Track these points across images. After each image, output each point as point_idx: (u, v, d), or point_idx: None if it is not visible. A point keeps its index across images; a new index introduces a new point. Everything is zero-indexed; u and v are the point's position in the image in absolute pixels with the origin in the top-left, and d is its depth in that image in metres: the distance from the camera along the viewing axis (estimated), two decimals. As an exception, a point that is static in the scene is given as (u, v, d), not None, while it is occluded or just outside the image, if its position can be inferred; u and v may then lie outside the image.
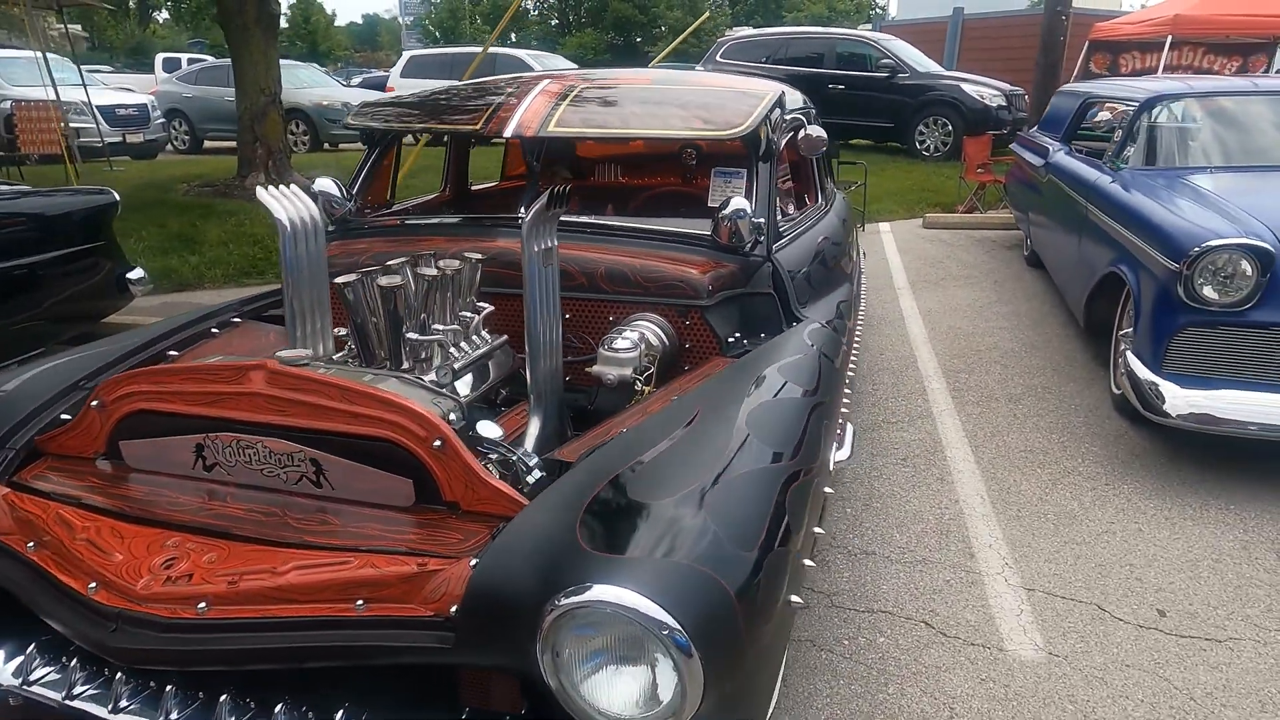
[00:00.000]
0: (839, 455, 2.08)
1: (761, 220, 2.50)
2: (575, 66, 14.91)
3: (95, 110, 11.66)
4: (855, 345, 2.98)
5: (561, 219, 2.70)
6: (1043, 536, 2.86)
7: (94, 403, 1.73)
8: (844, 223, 3.70)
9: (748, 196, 2.67)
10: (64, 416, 1.86)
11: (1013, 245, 7.32)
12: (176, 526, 1.55)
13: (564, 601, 1.23)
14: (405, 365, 2.00)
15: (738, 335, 2.43)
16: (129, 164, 11.39)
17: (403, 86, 14.87)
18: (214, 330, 2.48)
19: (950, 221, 8.38)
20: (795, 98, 3.31)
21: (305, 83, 13.81)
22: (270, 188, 2.16)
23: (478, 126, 2.68)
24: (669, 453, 1.56)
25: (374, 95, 14.41)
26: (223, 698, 1.42)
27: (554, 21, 59.29)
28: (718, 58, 13.18)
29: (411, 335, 1.98)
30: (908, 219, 8.56)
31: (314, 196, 2.81)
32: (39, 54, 10.97)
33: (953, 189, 9.02)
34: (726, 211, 2.42)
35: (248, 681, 1.44)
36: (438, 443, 1.52)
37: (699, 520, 1.37)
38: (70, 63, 11.40)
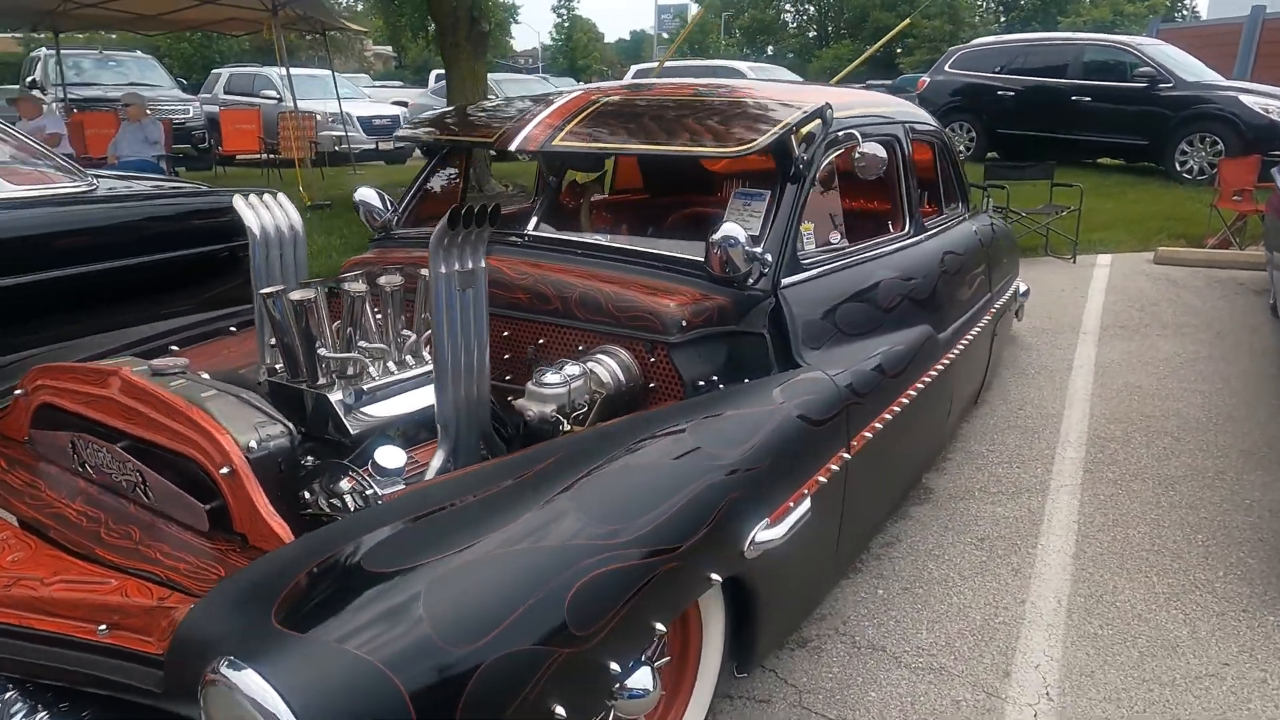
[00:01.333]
0: (766, 534, 1.74)
1: (758, 250, 2.18)
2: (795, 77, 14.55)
3: (355, 120, 13.22)
4: (929, 397, 2.57)
5: (552, 238, 2.59)
6: (1115, 667, 2.25)
7: (18, 390, 1.86)
8: (950, 256, 3.19)
9: (765, 221, 2.36)
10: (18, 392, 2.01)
11: (1262, 290, 6.03)
12: (19, 519, 1.61)
13: (215, 673, 1.09)
14: (321, 382, 1.96)
15: (714, 379, 2.14)
16: (373, 168, 12.72)
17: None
18: (232, 329, 2.61)
19: (1188, 258, 7.08)
20: (872, 111, 2.90)
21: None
22: (250, 195, 2.22)
23: (491, 140, 2.61)
24: (450, 515, 1.37)
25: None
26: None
27: (811, 34, 58.67)
28: (946, 68, 12.22)
29: (322, 351, 1.94)
30: (1137, 251, 7.37)
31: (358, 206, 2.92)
32: (331, 72, 12.66)
33: (1205, 219, 7.64)
34: (716, 237, 2.15)
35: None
36: (225, 470, 1.45)
37: (411, 604, 1.17)
38: (368, 78, 13.11)
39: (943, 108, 11.99)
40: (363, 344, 2.02)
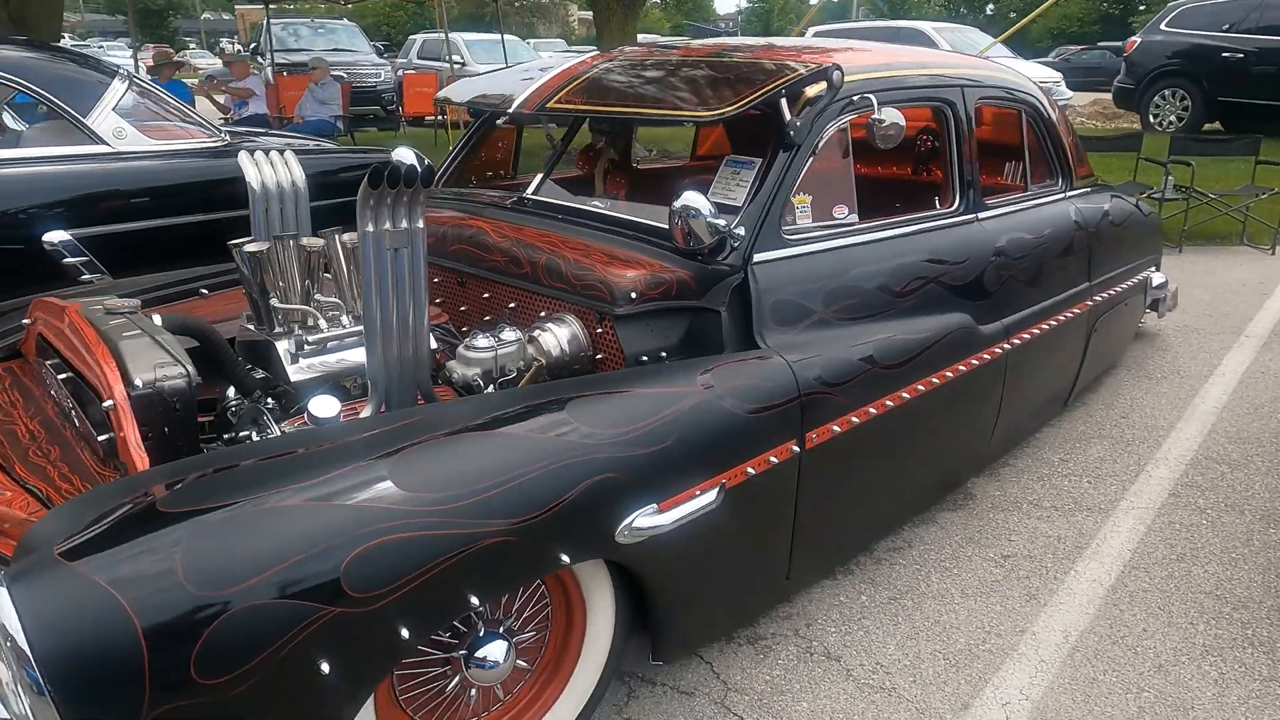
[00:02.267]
0: (649, 521, 1.65)
1: (721, 222, 2.04)
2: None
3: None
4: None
5: (541, 201, 2.55)
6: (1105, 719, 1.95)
7: (25, 320, 2.11)
8: (1018, 238, 2.83)
9: (752, 190, 2.21)
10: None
11: None
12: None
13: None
14: (276, 331, 2.06)
15: (661, 355, 2.05)
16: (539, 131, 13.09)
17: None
18: (203, 290, 2.80)
19: None
20: (911, 73, 2.59)
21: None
22: (256, 152, 2.36)
23: (499, 105, 2.61)
24: (266, 464, 1.41)
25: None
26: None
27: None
28: (1162, 26, 10.78)
29: (273, 302, 2.04)
30: (1363, 246, 6.23)
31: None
32: (500, 37, 13.21)
33: None
34: (677, 206, 2.04)
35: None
36: (108, 402, 1.57)
37: (173, 546, 1.21)
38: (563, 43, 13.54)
39: (1151, 73, 10.67)
40: (319, 298, 2.11)
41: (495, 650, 1.62)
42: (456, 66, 13.75)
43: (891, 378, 2.25)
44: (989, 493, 2.94)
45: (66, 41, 14.13)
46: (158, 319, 1.94)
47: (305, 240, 2.08)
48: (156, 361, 1.70)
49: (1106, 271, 3.40)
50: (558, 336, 2.07)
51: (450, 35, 15.03)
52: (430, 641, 1.59)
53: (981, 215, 2.76)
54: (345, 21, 15.07)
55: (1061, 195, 3.24)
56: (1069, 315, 3.11)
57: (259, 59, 13.38)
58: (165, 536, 1.23)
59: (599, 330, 2.08)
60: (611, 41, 8.65)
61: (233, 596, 1.20)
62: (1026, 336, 2.83)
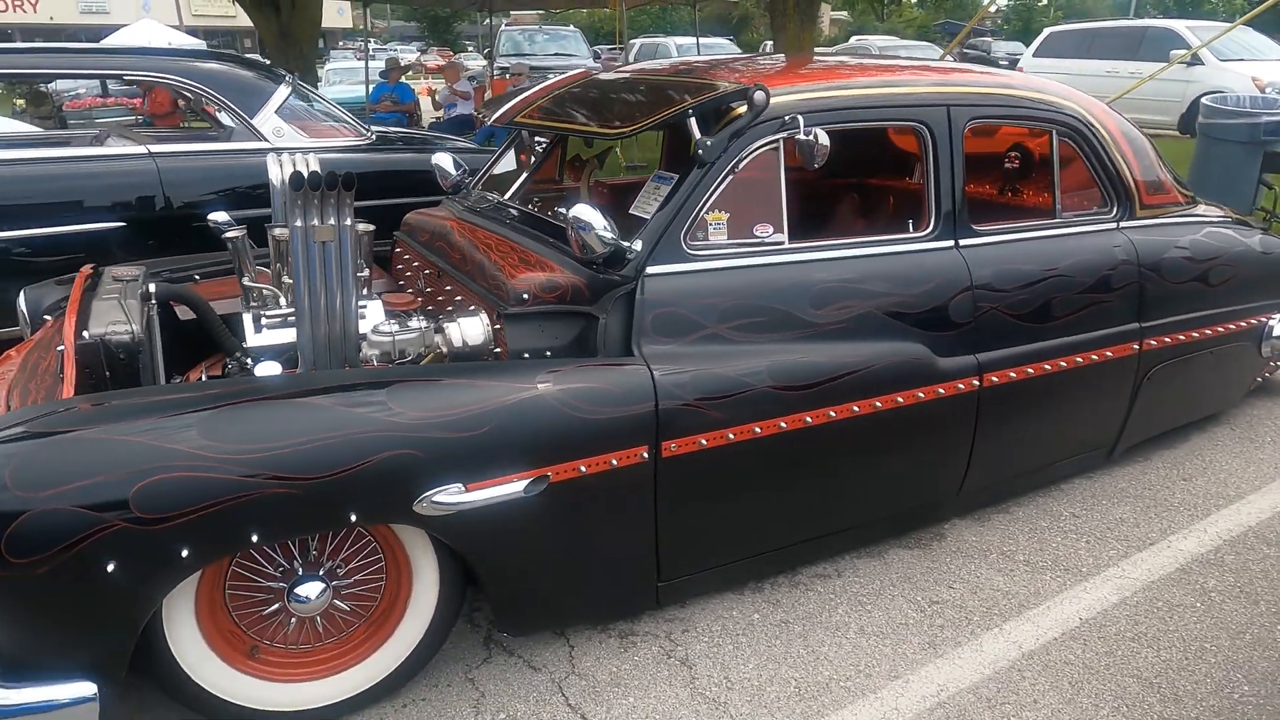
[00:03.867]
0: (449, 498, 1.83)
1: (610, 235, 2.15)
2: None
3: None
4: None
5: (501, 203, 2.78)
6: (917, 776, 1.85)
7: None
8: (1013, 269, 2.63)
9: (660, 205, 2.30)
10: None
11: None
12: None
13: None
14: (252, 305, 2.47)
15: (545, 354, 2.22)
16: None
17: (1033, 67, 13.76)
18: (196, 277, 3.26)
19: None
20: (871, 93, 2.50)
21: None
22: (284, 154, 2.80)
23: (494, 116, 2.88)
24: (123, 404, 1.78)
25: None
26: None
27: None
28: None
29: (245, 282, 2.44)
30: None
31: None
32: (697, 40, 13.45)
33: None
34: (569, 217, 2.19)
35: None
36: (60, 347, 2.03)
37: (12, 456, 1.59)
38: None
39: None
40: (285, 279, 2.50)
41: (311, 589, 1.90)
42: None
43: (791, 399, 2.24)
44: (962, 535, 2.77)
45: (371, 45, 16.34)
46: (153, 287, 2.43)
47: (276, 231, 2.47)
48: (111, 320, 2.15)
49: (1173, 314, 3.02)
50: (461, 328, 2.29)
51: (666, 39, 15.61)
52: (261, 570, 1.90)
53: (964, 241, 2.60)
54: (571, 28, 16.12)
55: (1108, 225, 2.93)
56: (1099, 358, 2.83)
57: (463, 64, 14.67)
58: (11, 447, 1.63)
59: (496, 327, 2.29)
60: (788, 47, 8.63)
61: (44, 499, 1.57)
62: (1013, 375, 2.64)
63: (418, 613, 2.05)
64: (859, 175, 3.62)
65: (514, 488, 1.91)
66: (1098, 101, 3.03)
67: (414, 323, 2.29)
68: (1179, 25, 12.09)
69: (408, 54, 37.78)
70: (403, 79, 10.60)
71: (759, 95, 2.25)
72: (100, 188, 3.94)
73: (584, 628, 2.33)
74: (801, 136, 2.27)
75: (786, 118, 2.30)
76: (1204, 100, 6.52)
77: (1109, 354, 2.86)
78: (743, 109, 2.28)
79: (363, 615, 2.05)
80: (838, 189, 3.62)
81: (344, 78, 14.75)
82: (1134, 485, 3.07)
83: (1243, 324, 3.31)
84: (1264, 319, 3.40)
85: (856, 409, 2.34)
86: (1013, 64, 15.04)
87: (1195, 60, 11.64)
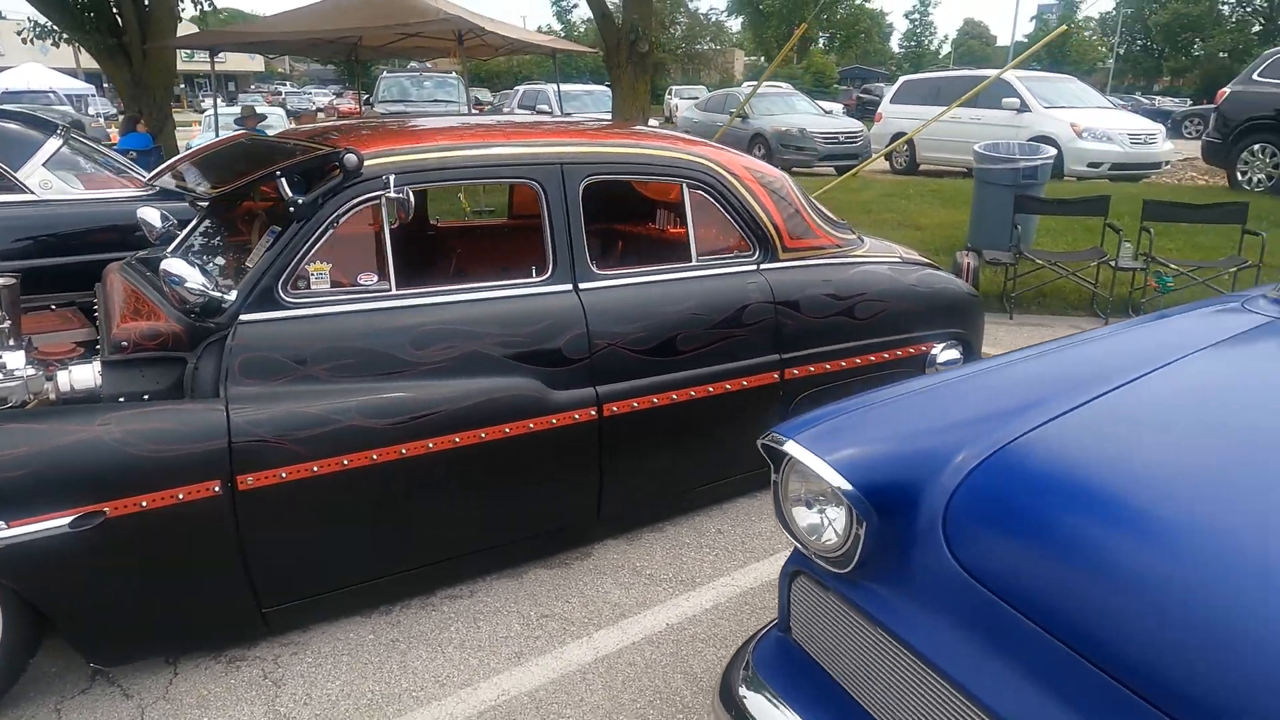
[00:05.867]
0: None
1: (198, 286, 2.34)
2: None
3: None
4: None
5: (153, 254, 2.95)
6: (434, 773, 2.03)
7: None
8: (625, 307, 2.89)
9: (260, 258, 2.50)
10: None
11: None
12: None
13: None
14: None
15: (143, 397, 2.38)
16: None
17: (890, 112, 14.57)
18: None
19: None
20: (473, 154, 2.75)
21: (780, 110, 14.53)
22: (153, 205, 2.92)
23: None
24: None
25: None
26: None
27: (1256, 29, 48.79)
28: (1255, 76, 9.75)
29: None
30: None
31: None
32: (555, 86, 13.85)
33: None
34: (161, 270, 2.37)
35: None
36: None
37: None
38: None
39: (1239, 127, 9.66)
40: None
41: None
42: (545, 113, 14.63)
43: (382, 433, 2.43)
44: (606, 554, 2.99)
45: (285, 88, 16.21)
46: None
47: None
48: None
49: (815, 345, 3.34)
50: (71, 375, 2.44)
51: (546, 86, 15.99)
52: None
53: (584, 285, 2.87)
54: (454, 75, 16.42)
55: (748, 267, 3.24)
56: (735, 387, 3.11)
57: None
58: None
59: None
60: (623, 96, 9.03)
61: None
62: (636, 405, 2.89)
63: (-17, 640, 2.16)
64: (492, 224, 3.94)
65: (58, 523, 2.05)
66: (740, 159, 3.36)
67: (20, 370, 2.43)
68: (1011, 75, 12.97)
69: (321, 97, 37.75)
70: (257, 126, 10.68)
71: (350, 158, 2.49)
72: None
73: (198, 655, 2.46)
74: (392, 194, 2.51)
75: (384, 177, 2.54)
76: (976, 148, 7.09)
77: (745, 383, 3.15)
78: (300, 173, 2.51)
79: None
80: (471, 237, 3.93)
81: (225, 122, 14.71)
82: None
83: (901, 352, 3.65)
84: (927, 348, 3.76)
85: (458, 440, 2.55)
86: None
87: (1025, 108, 12.53)
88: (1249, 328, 2.03)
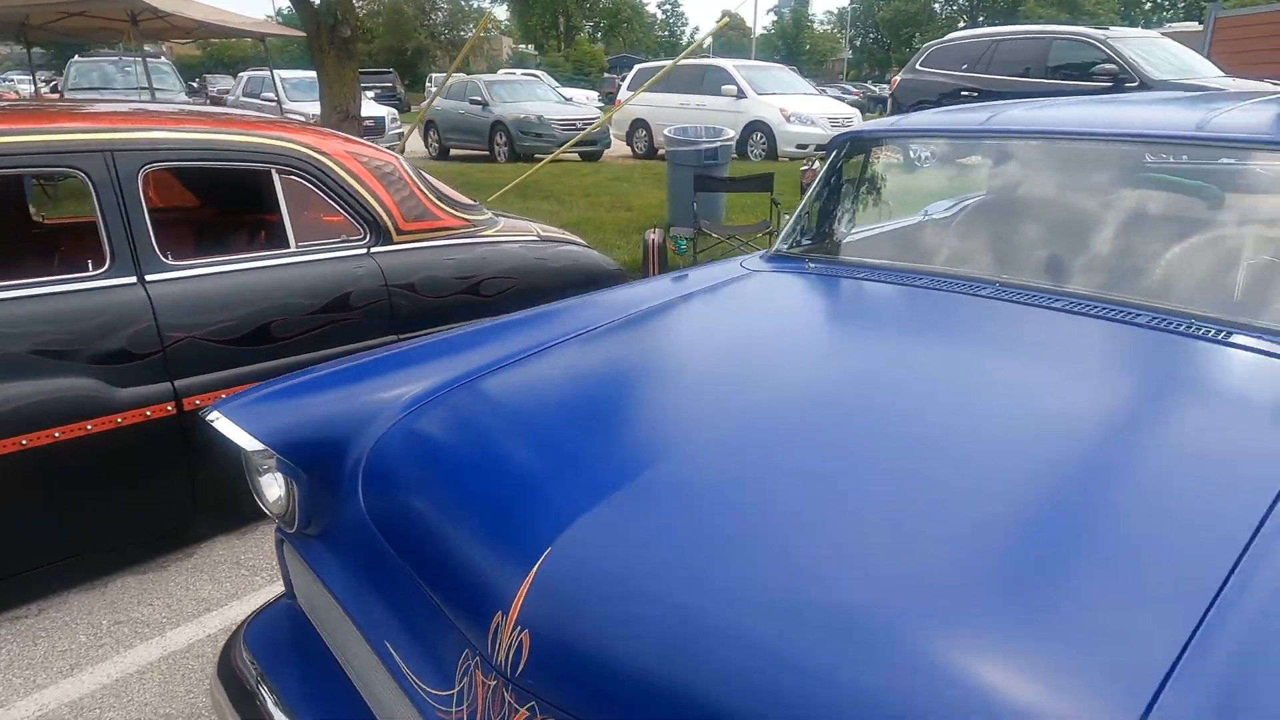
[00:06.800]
0: None
1: None
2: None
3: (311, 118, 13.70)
4: None
5: None
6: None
7: None
8: (201, 299, 2.83)
9: None
10: None
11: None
12: None
13: None
14: None
15: None
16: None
17: (627, 99, 15.09)
18: None
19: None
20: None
21: (522, 98, 14.65)
22: None
23: None
24: None
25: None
26: None
27: (961, 25, 55.39)
28: (917, 65, 11.08)
29: None
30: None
31: None
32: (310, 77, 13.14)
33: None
34: None
35: None
36: None
37: None
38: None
39: (909, 110, 10.91)
40: None
41: None
42: (271, 104, 13.78)
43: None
44: (214, 551, 2.92)
45: None
46: None
47: None
48: None
49: (439, 324, 3.42)
50: None
51: (267, 73, 15.06)
52: None
53: (152, 277, 2.76)
54: (167, 63, 15.05)
55: (357, 251, 3.27)
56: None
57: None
58: None
59: None
60: (329, 83, 8.71)
61: None
62: (225, 396, 2.83)
63: None
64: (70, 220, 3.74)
65: None
66: (345, 144, 3.36)
67: None
68: (728, 64, 13.90)
69: (24, 86, 33.07)
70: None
71: None
72: None
73: None
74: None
75: None
76: (665, 131, 7.54)
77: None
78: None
79: None
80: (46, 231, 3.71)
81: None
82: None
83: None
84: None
85: (12, 444, 2.39)
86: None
87: (741, 94, 13.46)
88: (722, 280, 2.36)
